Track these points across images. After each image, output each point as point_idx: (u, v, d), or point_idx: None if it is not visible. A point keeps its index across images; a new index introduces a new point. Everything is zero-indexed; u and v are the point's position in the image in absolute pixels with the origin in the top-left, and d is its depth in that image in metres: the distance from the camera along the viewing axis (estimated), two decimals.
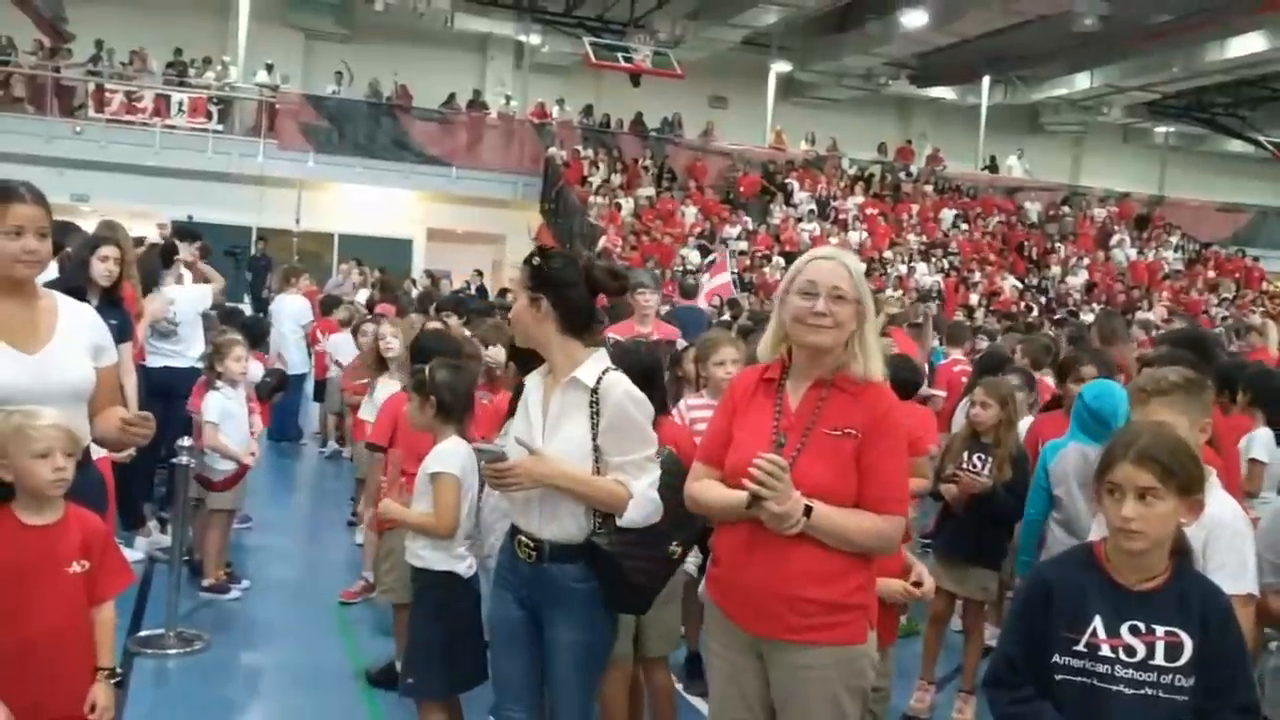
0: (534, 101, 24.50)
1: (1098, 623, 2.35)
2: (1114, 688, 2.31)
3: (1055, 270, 22.93)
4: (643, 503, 2.99)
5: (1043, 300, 20.80)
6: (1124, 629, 2.32)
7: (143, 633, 5.29)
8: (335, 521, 7.89)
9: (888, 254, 21.70)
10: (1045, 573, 2.56)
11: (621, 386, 3.03)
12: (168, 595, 5.35)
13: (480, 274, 20.65)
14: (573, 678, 3.05)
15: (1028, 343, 7.47)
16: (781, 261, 20.53)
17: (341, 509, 8.15)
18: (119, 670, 3.12)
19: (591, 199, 21.19)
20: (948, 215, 23.95)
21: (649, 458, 3.05)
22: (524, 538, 3.04)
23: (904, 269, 21.19)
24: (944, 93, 28.33)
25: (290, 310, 10.96)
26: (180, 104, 21.42)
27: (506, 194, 23.28)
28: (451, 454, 3.50)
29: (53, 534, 2.93)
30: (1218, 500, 2.87)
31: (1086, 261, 23.57)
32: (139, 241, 7.62)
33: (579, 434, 2.99)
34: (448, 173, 22.77)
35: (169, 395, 6.62)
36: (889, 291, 14.39)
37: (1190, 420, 2.95)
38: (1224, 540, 2.81)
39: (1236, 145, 29.49)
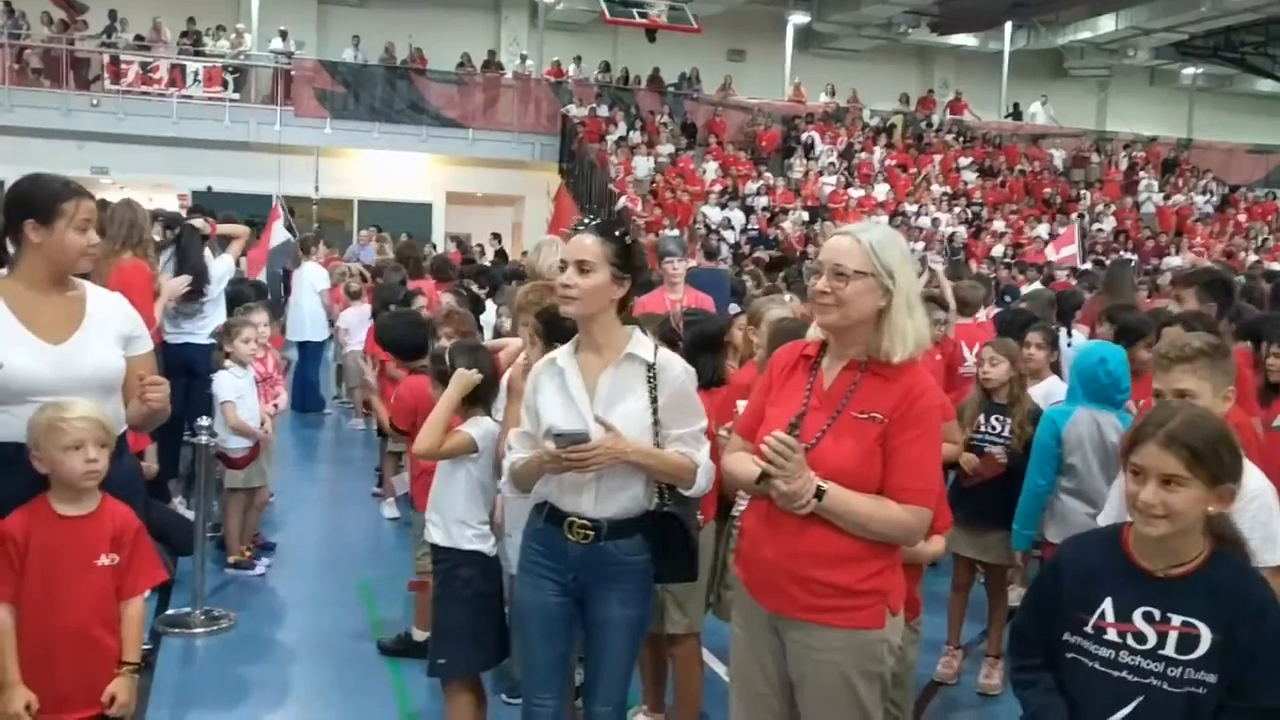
0: (549, 60, 24.28)
1: (1108, 606, 2.27)
2: (1117, 673, 2.24)
3: (1083, 219, 22.62)
4: (707, 471, 3.06)
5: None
6: (1137, 615, 2.24)
7: (170, 612, 5.33)
8: (360, 493, 7.92)
9: (908, 206, 21.47)
10: (1064, 549, 2.51)
11: (679, 363, 3.08)
12: (193, 574, 5.39)
13: (498, 238, 20.54)
14: (621, 653, 3.10)
15: (1032, 300, 7.35)
16: (804, 216, 20.39)
17: (365, 480, 8.18)
18: (143, 662, 3.14)
19: (610, 158, 21.04)
20: (968, 164, 23.62)
21: (702, 429, 3.10)
22: (576, 520, 3.02)
23: (926, 221, 20.97)
24: (965, 39, 27.87)
25: (309, 279, 10.97)
26: (196, 74, 21.38)
27: (524, 155, 23.15)
28: (474, 425, 3.49)
29: (85, 525, 2.95)
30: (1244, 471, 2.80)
31: (1113, 209, 23.26)
32: (171, 221, 7.56)
33: (639, 409, 2.99)
34: (465, 135, 22.64)
35: (190, 372, 6.64)
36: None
37: (1214, 387, 2.87)
38: (1249, 512, 2.71)
39: (1266, 85, 28.86)
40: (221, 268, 7.08)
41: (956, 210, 21.72)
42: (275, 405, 6.30)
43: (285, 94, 21.81)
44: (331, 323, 10.81)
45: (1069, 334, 7.06)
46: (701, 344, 4.00)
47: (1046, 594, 2.41)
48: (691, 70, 25.57)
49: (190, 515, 6.03)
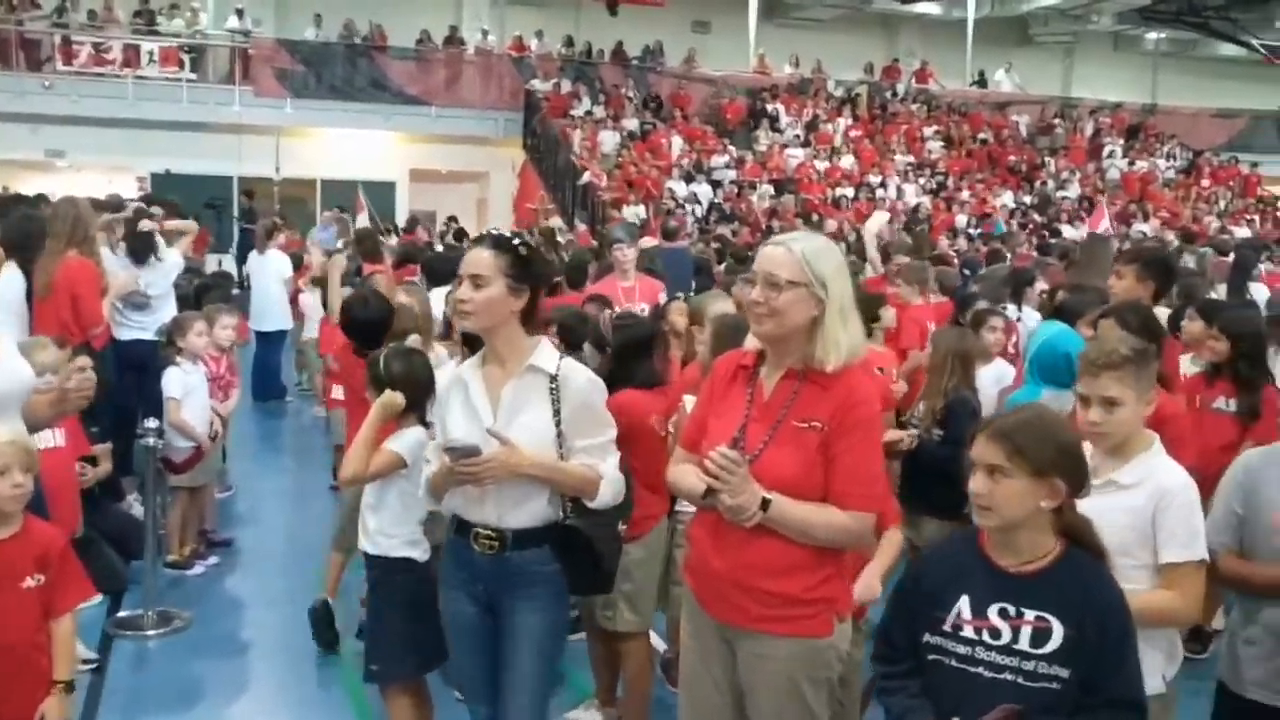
0: (511, 35, 24.08)
1: (964, 603, 2.34)
2: (974, 669, 2.29)
3: (1048, 186, 22.69)
4: (612, 483, 3.02)
5: (1038, 219, 20.58)
6: (992, 611, 2.30)
7: (122, 614, 5.29)
8: (319, 486, 7.86)
9: (873, 177, 21.46)
10: (926, 551, 2.59)
11: (582, 373, 3.04)
12: (145, 575, 5.34)
13: (454, 220, 20.22)
14: (534, 662, 3.04)
15: (984, 280, 7.34)
16: (770, 190, 20.34)
17: (326, 471, 8.12)
18: (77, 680, 3.11)
19: (574, 133, 20.90)
20: (932, 134, 23.62)
21: (610, 440, 3.07)
22: (481, 531, 3.00)
23: (891, 191, 20.98)
24: (929, 7, 27.82)
25: (272, 267, 10.84)
26: (151, 54, 21.03)
27: (488, 131, 22.95)
28: (402, 437, 3.46)
29: (8, 548, 2.91)
30: (1165, 470, 2.84)
31: (1079, 175, 23.34)
32: (117, 208, 7.44)
33: (541, 422, 2.96)
34: (427, 112, 22.42)
35: (141, 368, 6.58)
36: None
37: (1138, 394, 2.88)
38: (1173, 510, 2.77)
39: (1229, 49, 28.99)
40: (170, 263, 6.99)
41: (921, 180, 21.73)
42: (218, 409, 6.17)
43: (244, 73, 21.50)
44: (295, 310, 10.70)
45: (1019, 310, 7.09)
46: (631, 348, 3.98)
47: (907, 597, 2.47)
48: (655, 43, 25.41)
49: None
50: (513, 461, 2.90)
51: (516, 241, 3.00)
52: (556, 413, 2.96)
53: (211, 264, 16.71)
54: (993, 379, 5.51)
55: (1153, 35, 29.53)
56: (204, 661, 4.97)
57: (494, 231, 3.07)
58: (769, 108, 23.21)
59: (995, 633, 2.28)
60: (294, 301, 10.66)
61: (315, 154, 22.29)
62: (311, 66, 22.17)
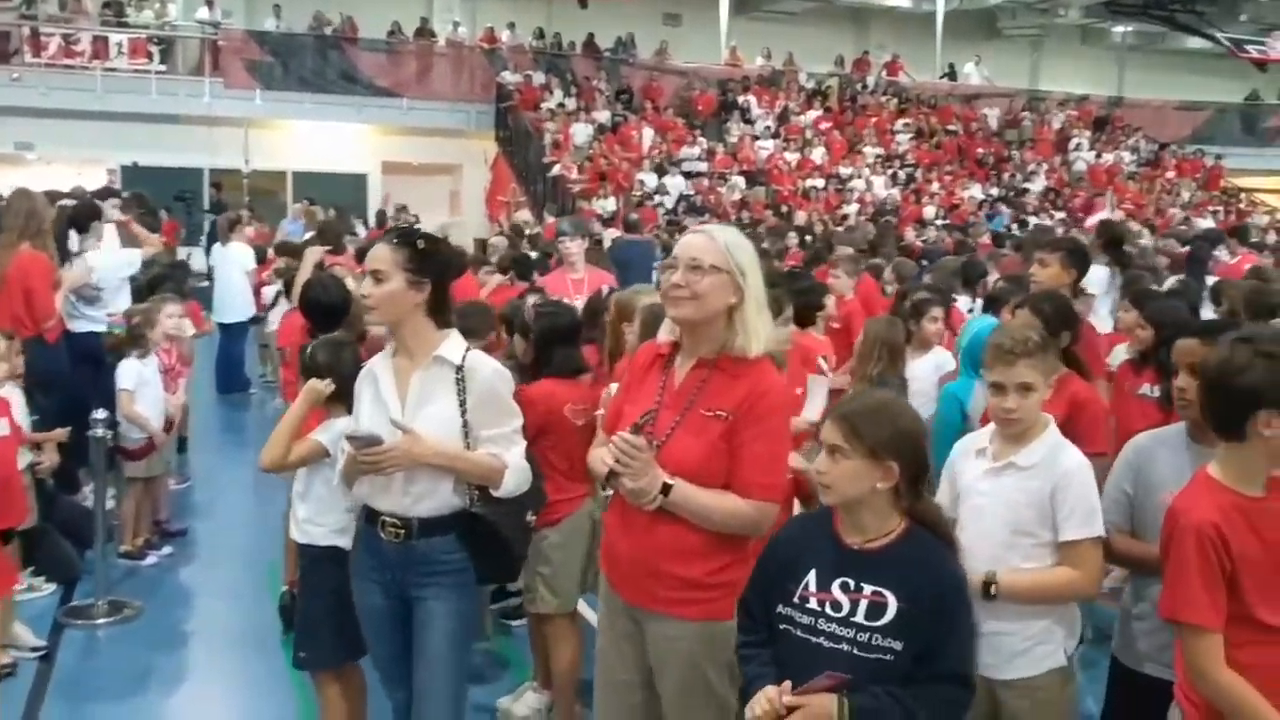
0: (483, 27, 24.05)
1: (812, 577, 2.45)
2: (815, 639, 2.41)
3: (1015, 178, 22.89)
4: (517, 472, 3.08)
5: (1005, 210, 20.75)
6: (835, 585, 2.42)
7: (73, 603, 5.35)
8: (279, 478, 7.89)
9: (844, 169, 21.59)
10: (784, 526, 2.69)
11: (488, 364, 3.11)
12: (96, 565, 5.40)
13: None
14: (446, 650, 3.10)
15: (936, 271, 7.46)
16: (741, 182, 20.43)
17: None
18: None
19: (546, 125, 20.93)
20: (902, 126, 23.77)
21: (516, 430, 3.14)
22: (388, 519, 3.08)
23: (861, 184, 21.11)
24: (899, 1, 27.95)
25: (235, 258, 10.87)
26: (120, 45, 20.93)
27: (460, 123, 22.94)
28: (329, 427, 3.54)
29: None
30: (1063, 451, 2.96)
31: (1045, 167, 23.54)
32: (55, 198, 7.46)
33: (447, 412, 3.04)
34: (399, 104, 22.39)
35: (96, 361, 6.61)
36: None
37: (1045, 379, 3.01)
38: (1071, 489, 2.89)
39: (1195, 43, 29.20)
40: (124, 259, 7.03)
41: (891, 172, 21.87)
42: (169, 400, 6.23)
43: (214, 65, 21.40)
44: (259, 302, 10.71)
45: (971, 301, 7.21)
46: (552, 336, 4.08)
47: (764, 569, 2.58)
48: (627, 35, 25.45)
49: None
50: (415, 451, 2.97)
51: (413, 238, 3.08)
52: (462, 403, 3.03)
53: (181, 256, 16.70)
54: (932, 366, 5.62)
55: (1119, 29, 29.71)
56: (153, 651, 5.04)
57: (404, 226, 3.14)
58: (740, 100, 23.30)
59: (836, 605, 2.40)
60: (258, 293, 10.69)
61: (286, 146, 22.22)
62: (281, 58, 22.09)
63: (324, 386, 3.50)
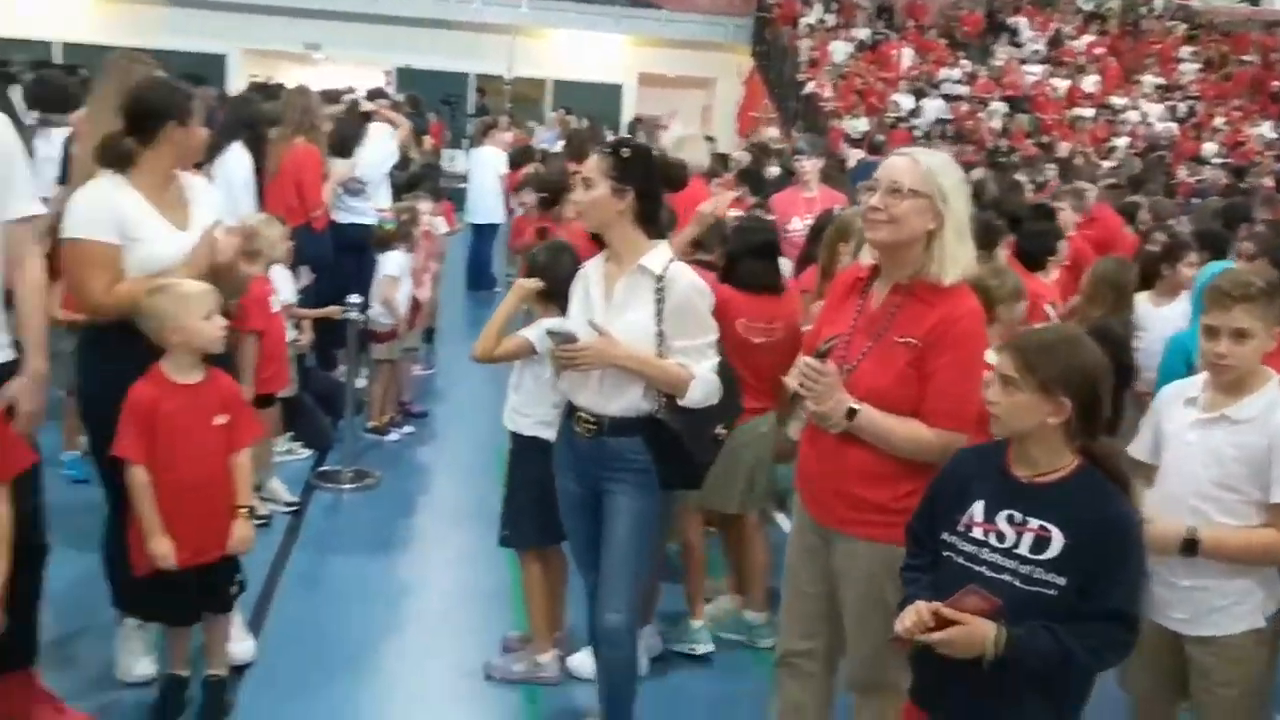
0: None
1: (978, 507, 2.45)
2: (976, 568, 2.41)
3: None
4: (703, 384, 3.16)
5: None
6: (1001, 516, 2.41)
7: (323, 468, 5.91)
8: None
9: (1118, 99, 20.24)
10: (955, 456, 2.66)
11: (686, 276, 3.19)
12: (345, 436, 5.94)
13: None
14: (627, 543, 3.26)
15: (1197, 212, 6.94)
16: (1003, 108, 19.54)
17: None
18: (254, 508, 3.61)
19: (802, 42, 20.60)
20: (1189, 54, 21.96)
21: (709, 344, 3.22)
22: (584, 414, 3.26)
23: (1135, 116, 19.75)
24: None
25: (489, 161, 11.38)
26: None
27: (717, 36, 22.92)
28: (539, 325, 3.74)
29: (200, 391, 3.37)
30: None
31: None
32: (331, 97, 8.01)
33: (643, 319, 3.16)
34: (658, 15, 22.57)
35: (358, 249, 7.16)
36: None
37: (1266, 328, 2.85)
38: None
39: None
40: (381, 153, 7.52)
41: (1170, 105, 20.34)
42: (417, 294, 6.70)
43: None
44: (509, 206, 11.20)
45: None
46: (745, 251, 4.13)
47: (934, 495, 2.59)
48: None
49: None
50: (607, 352, 3.12)
51: (620, 148, 3.20)
52: (659, 312, 3.14)
53: (445, 158, 17.60)
54: (1180, 314, 5.34)
55: None
56: (389, 516, 5.53)
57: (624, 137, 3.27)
58: (1010, 20, 22.15)
59: (1000, 536, 2.40)
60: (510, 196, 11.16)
61: (548, 55, 22.84)
62: None
63: (531, 284, 3.71)
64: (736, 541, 4.39)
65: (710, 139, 10.01)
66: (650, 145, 3.60)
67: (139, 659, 3.74)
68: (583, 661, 3.91)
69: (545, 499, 3.51)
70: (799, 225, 6.44)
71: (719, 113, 23.50)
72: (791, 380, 2.82)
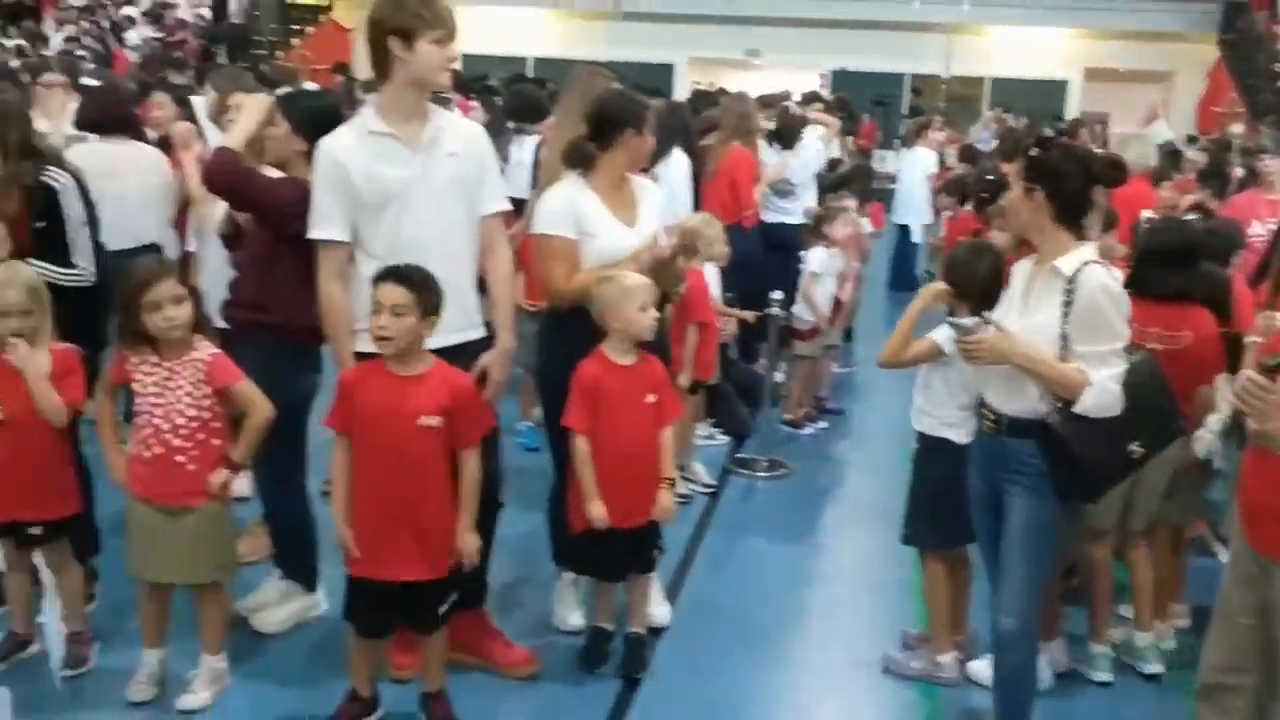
0: None
1: None
2: None
3: None
4: (1100, 393, 3.03)
5: None
6: None
7: (740, 455, 6.22)
8: None
9: None
10: None
11: (1097, 279, 3.06)
12: (762, 426, 6.22)
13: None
14: (1021, 546, 3.20)
15: None
16: None
17: None
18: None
19: None
20: None
21: (1115, 351, 3.09)
22: (987, 410, 3.25)
23: None
24: None
25: (917, 162, 11.33)
26: None
27: (1178, 25, 21.16)
28: (943, 330, 3.72)
29: (634, 372, 3.73)
30: None
31: None
32: (766, 102, 8.34)
33: (1050, 320, 3.09)
34: (1111, 5, 21.21)
35: (785, 249, 7.43)
36: None
37: None
38: None
39: None
40: (810, 155, 7.74)
41: None
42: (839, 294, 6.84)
43: None
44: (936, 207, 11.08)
45: None
46: (1154, 254, 3.90)
47: None
48: None
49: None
50: (1001, 347, 3.08)
51: (1035, 150, 3.15)
52: (1065, 314, 3.05)
53: (876, 159, 17.68)
54: None
55: None
56: (799, 506, 5.74)
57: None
58: None
59: None
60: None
61: (986, 52, 22.21)
62: None
63: (937, 288, 3.72)
64: (1135, 561, 4.13)
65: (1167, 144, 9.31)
66: (1085, 144, 3.48)
67: (572, 610, 4.18)
68: (983, 669, 3.87)
69: (949, 499, 3.53)
70: (1260, 230, 5.91)
71: (1176, 109, 21.67)
72: (1230, 396, 2.68)
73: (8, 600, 3.82)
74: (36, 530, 3.60)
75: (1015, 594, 3.23)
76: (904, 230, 11.36)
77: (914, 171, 11.35)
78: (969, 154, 11.09)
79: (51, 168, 3.85)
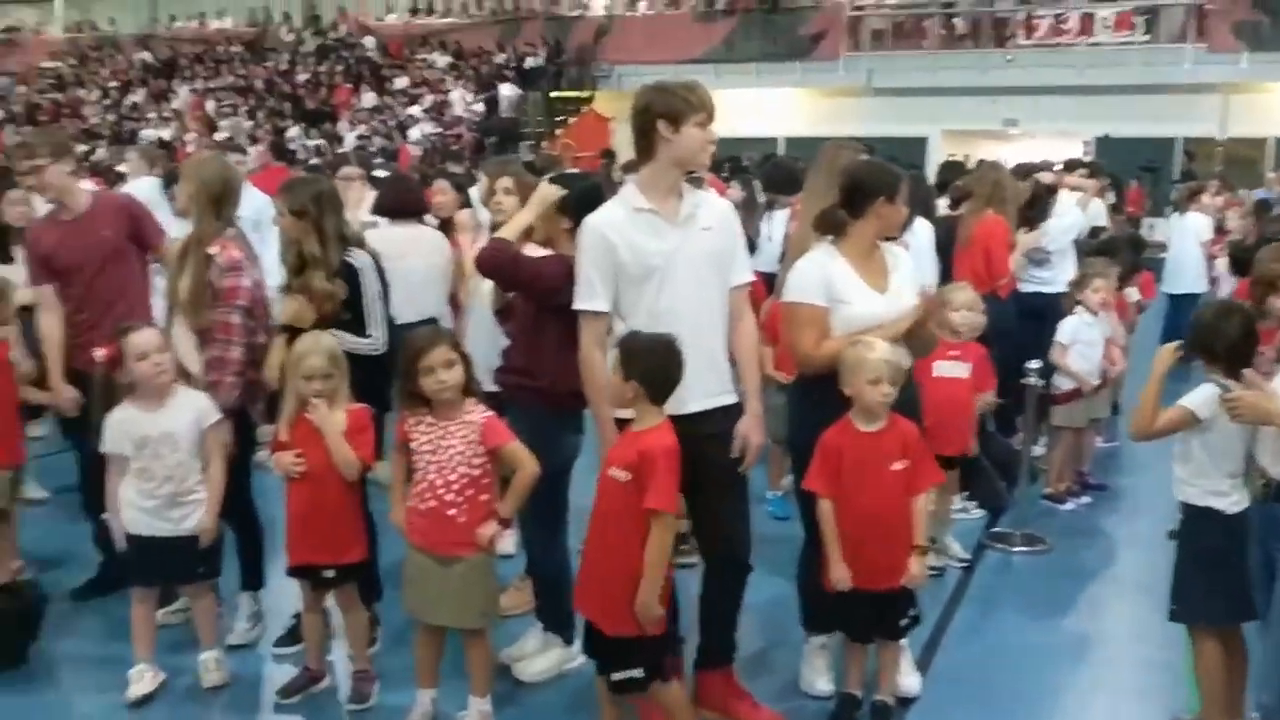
0: None
1: None
2: None
3: None
4: None
5: None
6: None
7: (996, 529, 6.05)
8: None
9: None
10: None
11: None
12: (1020, 500, 6.04)
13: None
14: None
15: None
16: None
17: None
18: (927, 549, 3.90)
19: None
20: None
21: None
22: (1259, 474, 3.12)
23: None
24: None
25: (1189, 228, 10.76)
26: (1105, 20, 21.61)
27: None
28: (1198, 392, 3.54)
29: (879, 438, 3.77)
30: None
31: None
32: (1025, 171, 8.20)
33: None
34: None
35: (1040, 317, 7.23)
36: None
37: None
38: None
39: None
40: (1068, 222, 7.52)
41: None
42: (1110, 363, 6.61)
43: (1197, 30, 20.93)
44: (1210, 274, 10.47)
45: None
46: None
47: None
48: None
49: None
50: (1260, 406, 2.99)
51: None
52: None
53: (1145, 226, 16.87)
54: None
55: None
56: (1057, 582, 5.51)
57: None
58: None
59: None
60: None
61: (1267, 110, 20.83)
62: (1273, 14, 20.66)
63: (1170, 349, 3.57)
64: None
65: None
66: None
67: (820, 675, 4.21)
68: None
69: (1219, 573, 3.36)
70: None
71: None
72: None
73: (304, 638, 4.23)
74: (330, 573, 4.00)
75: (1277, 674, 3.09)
76: (1175, 301, 10.75)
77: (1185, 238, 10.78)
78: (1262, 208, 10.40)
79: (354, 249, 4.32)
